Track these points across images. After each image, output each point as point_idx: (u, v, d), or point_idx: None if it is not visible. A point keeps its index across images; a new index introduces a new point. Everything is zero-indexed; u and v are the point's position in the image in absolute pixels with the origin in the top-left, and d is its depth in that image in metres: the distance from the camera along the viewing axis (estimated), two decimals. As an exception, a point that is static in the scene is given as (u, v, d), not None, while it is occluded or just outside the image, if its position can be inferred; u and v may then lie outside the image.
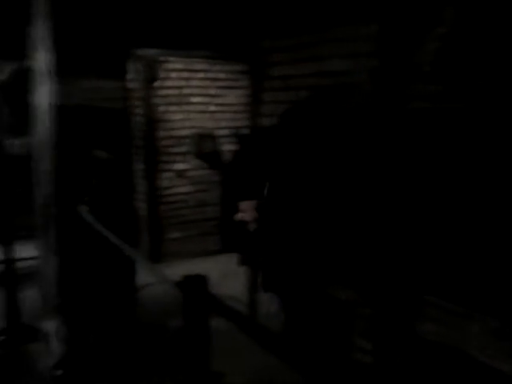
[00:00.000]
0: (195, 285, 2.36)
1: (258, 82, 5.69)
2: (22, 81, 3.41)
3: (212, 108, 5.80)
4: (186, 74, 5.61)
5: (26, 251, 4.01)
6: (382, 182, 2.94)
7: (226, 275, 4.71)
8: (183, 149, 5.65)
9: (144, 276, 3.75)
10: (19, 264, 3.95)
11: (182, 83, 5.60)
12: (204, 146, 5.27)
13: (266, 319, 3.91)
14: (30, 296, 3.83)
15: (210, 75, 5.76)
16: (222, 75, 5.83)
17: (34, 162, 3.33)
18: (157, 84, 5.47)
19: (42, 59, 3.27)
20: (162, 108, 5.52)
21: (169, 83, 5.53)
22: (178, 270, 2.97)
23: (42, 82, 3.27)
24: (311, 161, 3.15)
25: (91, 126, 3.95)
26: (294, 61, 4.23)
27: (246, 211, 3.70)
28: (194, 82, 5.67)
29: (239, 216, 3.81)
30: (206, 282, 2.37)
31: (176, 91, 5.57)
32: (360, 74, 3.08)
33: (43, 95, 3.28)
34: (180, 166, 5.70)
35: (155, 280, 3.60)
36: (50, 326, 3.45)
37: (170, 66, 5.53)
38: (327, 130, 3.14)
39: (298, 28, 4.21)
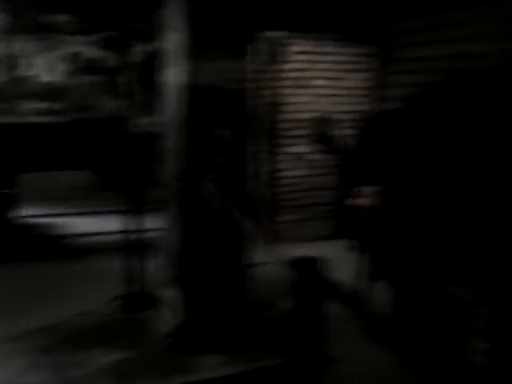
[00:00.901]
0: (309, 266, 2.36)
1: (383, 65, 5.52)
2: (154, 61, 3.56)
3: (334, 91, 5.72)
4: (308, 57, 5.58)
5: (152, 223, 4.25)
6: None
7: (338, 260, 4.64)
8: (302, 132, 5.64)
9: (257, 255, 3.82)
10: (146, 234, 4.21)
11: (305, 66, 5.58)
12: (324, 129, 5.22)
13: (378, 308, 3.82)
14: (151, 265, 4.05)
15: (332, 58, 5.68)
16: (345, 58, 5.72)
17: (163, 140, 3.50)
18: (279, 66, 5.50)
19: (172, 40, 3.41)
20: (283, 90, 5.55)
21: (291, 66, 5.54)
22: (289, 252, 3.00)
23: (172, 62, 3.42)
24: (439, 148, 3.00)
25: (214, 106, 4.06)
26: (422, 43, 4.04)
27: (364, 197, 3.63)
28: (317, 65, 5.62)
29: (355, 201, 3.75)
30: (319, 264, 2.37)
31: (298, 74, 5.57)
32: (496, 57, 2.87)
33: (173, 75, 3.42)
34: (298, 149, 5.71)
35: (268, 260, 3.66)
36: (168, 295, 3.64)
37: (293, 48, 5.53)
38: (458, 116, 2.98)
39: (430, 9, 4.00)
